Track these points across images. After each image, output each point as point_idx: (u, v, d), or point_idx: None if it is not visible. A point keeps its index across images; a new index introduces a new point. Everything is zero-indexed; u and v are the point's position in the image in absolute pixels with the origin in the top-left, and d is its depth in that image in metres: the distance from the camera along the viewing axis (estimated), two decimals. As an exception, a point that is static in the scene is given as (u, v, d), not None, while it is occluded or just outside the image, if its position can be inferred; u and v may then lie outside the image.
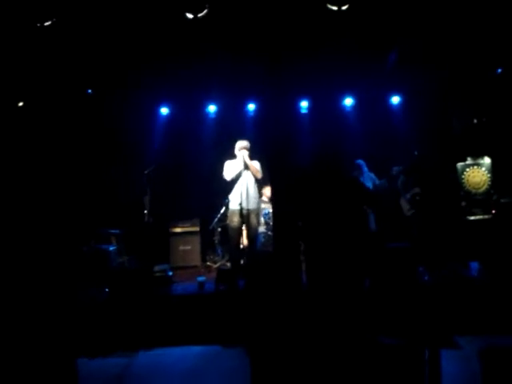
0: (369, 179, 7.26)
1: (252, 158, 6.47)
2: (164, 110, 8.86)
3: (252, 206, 6.34)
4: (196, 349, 5.07)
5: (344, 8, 5.41)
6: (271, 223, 7.55)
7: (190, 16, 5.41)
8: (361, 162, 7.36)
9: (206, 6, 5.35)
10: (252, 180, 6.39)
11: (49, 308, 4.66)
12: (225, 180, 6.44)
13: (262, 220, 7.80)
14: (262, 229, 7.71)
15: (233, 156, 6.50)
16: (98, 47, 6.45)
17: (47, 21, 5.33)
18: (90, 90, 8.02)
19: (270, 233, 7.69)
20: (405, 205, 7.01)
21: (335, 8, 5.41)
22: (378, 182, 7.26)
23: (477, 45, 6.71)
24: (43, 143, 7.39)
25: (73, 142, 7.76)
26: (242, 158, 6.29)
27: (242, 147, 6.39)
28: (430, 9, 5.80)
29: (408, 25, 6.15)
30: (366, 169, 7.32)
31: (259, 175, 6.39)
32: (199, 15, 5.39)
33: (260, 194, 7.58)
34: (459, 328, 4.92)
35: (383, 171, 7.52)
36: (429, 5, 5.73)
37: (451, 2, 5.73)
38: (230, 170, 6.37)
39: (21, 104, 7.35)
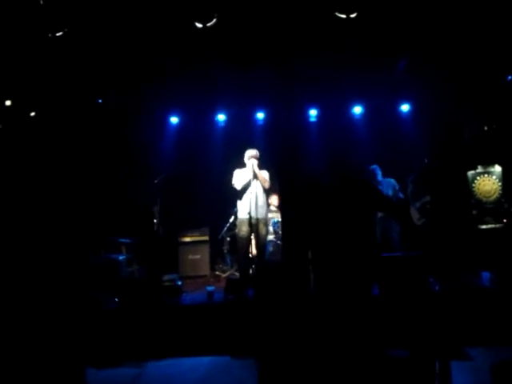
0: (388, 186, 7.19)
1: (262, 166, 6.48)
2: (174, 120, 8.89)
3: (261, 215, 6.35)
4: (205, 359, 5.05)
5: (352, 16, 5.39)
6: (280, 232, 7.54)
7: (199, 25, 5.43)
8: (375, 167, 7.30)
9: (215, 15, 5.38)
10: (261, 189, 6.40)
11: (58, 317, 4.67)
12: (234, 189, 6.46)
13: (271, 229, 7.78)
14: (270, 238, 7.70)
15: (242, 165, 6.51)
16: (108, 57, 6.51)
17: (59, 31, 5.39)
18: (100, 100, 8.06)
19: (278, 242, 7.68)
20: (414, 214, 6.95)
21: (344, 16, 5.40)
22: (397, 187, 7.20)
23: (487, 52, 6.67)
24: (54, 153, 7.45)
25: (83, 152, 7.81)
26: (251, 167, 6.30)
27: (251, 156, 6.41)
28: (440, 16, 5.78)
29: (418, 32, 6.14)
30: (379, 173, 7.26)
31: (267, 185, 6.40)
32: (208, 25, 5.41)
33: (267, 203, 7.57)
34: (470, 339, 4.86)
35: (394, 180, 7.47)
36: (438, 13, 5.72)
37: (461, 10, 5.70)
38: (239, 178, 6.40)
39: (33, 114, 7.41)
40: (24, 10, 5.25)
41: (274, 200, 8.12)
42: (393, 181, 7.27)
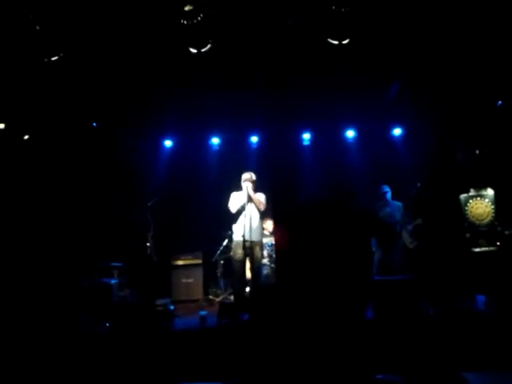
0: (396, 209, 7.14)
1: (258, 189, 6.49)
2: (168, 143, 8.91)
3: (255, 238, 6.32)
4: (197, 387, 4.96)
5: (345, 42, 5.47)
6: (274, 255, 7.50)
7: (193, 51, 5.50)
8: (385, 187, 7.26)
9: (210, 41, 5.45)
10: (256, 212, 6.39)
11: (46, 342, 4.59)
12: (228, 211, 6.45)
13: (265, 253, 7.74)
14: (265, 261, 7.65)
15: (238, 188, 6.53)
16: (103, 81, 6.57)
17: (54, 56, 5.44)
18: (95, 124, 8.09)
19: (273, 265, 7.63)
20: (406, 237, 6.94)
21: (336, 42, 5.47)
22: (402, 211, 7.16)
23: (478, 78, 6.78)
24: (48, 176, 7.44)
25: (76, 175, 7.80)
26: (246, 190, 6.31)
27: (245, 179, 6.42)
28: (431, 42, 5.89)
29: (409, 58, 6.24)
30: (389, 194, 7.22)
31: (262, 207, 6.39)
32: (203, 50, 5.47)
33: (262, 227, 7.56)
34: (465, 363, 4.80)
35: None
36: (429, 38, 5.83)
37: (452, 36, 5.82)
38: (234, 201, 6.40)
39: (26, 137, 7.42)
40: (20, 34, 5.30)
41: (269, 225, 8.08)
42: (401, 205, 7.23)
